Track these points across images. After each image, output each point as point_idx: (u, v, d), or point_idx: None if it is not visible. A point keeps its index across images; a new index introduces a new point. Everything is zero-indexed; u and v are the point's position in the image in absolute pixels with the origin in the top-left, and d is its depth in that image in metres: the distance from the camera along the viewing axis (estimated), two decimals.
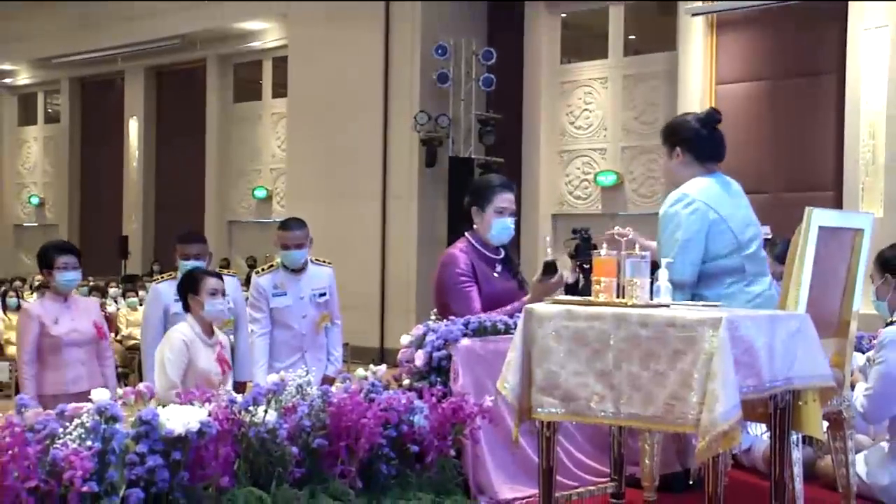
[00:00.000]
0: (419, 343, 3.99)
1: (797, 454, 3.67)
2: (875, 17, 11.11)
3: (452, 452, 3.65)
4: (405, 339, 4.07)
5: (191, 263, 5.34)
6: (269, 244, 15.50)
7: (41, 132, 23.41)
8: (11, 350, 11.42)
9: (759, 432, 4.52)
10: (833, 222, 3.86)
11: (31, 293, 12.84)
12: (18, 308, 11.49)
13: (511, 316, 4.15)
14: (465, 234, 4.54)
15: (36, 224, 23.17)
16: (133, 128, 20.50)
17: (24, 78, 23.19)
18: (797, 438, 3.67)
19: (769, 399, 3.41)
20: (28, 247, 22.04)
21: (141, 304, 11.85)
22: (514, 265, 4.59)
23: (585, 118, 14.31)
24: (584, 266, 4.37)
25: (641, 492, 4.03)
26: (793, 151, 11.80)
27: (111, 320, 11.75)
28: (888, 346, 4.00)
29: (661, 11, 13.68)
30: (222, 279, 4.98)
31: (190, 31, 18.16)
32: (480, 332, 4.03)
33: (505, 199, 4.46)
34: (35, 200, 23.16)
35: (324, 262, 5.93)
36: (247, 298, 5.85)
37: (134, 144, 20.52)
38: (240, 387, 5.19)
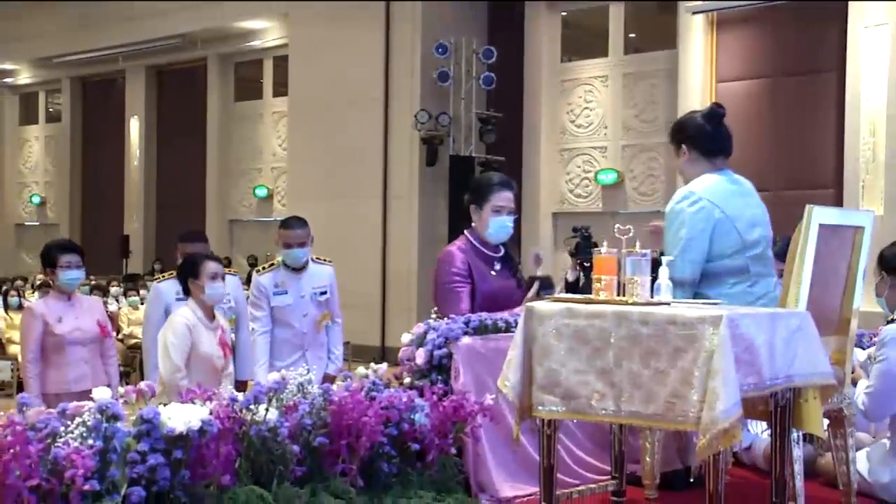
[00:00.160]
0: (420, 341, 3.99)
1: (798, 452, 3.68)
2: (875, 15, 11.11)
3: (453, 450, 3.65)
4: (406, 338, 4.08)
5: None
6: (270, 243, 15.52)
7: (42, 131, 23.42)
8: (13, 349, 11.43)
9: (759, 430, 4.52)
10: (833, 220, 3.86)
11: (33, 292, 12.86)
12: (20, 307, 11.53)
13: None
14: (465, 231, 4.55)
15: (37, 223, 23.18)
16: (134, 127, 20.51)
17: (25, 77, 23.20)
18: (798, 436, 3.67)
19: (770, 397, 3.41)
20: (29, 246, 22.06)
21: (142, 303, 11.86)
22: (513, 263, 4.59)
23: (586, 116, 14.31)
24: (585, 264, 4.39)
25: (642, 489, 4.04)
26: (793, 149, 11.80)
27: (112, 319, 11.73)
28: (889, 344, 4.00)
29: (661, 10, 13.68)
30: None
31: (191, 31, 18.17)
32: (481, 330, 4.03)
33: (503, 198, 4.45)
34: (36, 200, 23.17)
35: (324, 260, 5.94)
36: (247, 297, 5.86)
37: (135, 143, 20.53)
38: (241, 385, 5.20)
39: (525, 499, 3.85)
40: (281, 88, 17.68)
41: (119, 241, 19.57)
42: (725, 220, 3.97)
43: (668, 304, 3.38)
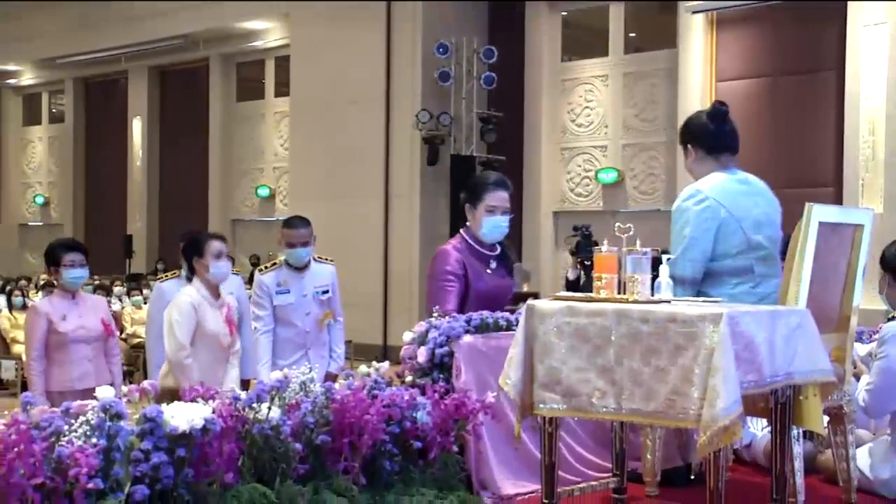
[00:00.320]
0: (421, 340, 4.00)
1: (798, 449, 3.68)
2: (874, 14, 11.13)
3: (455, 448, 3.66)
4: (408, 336, 4.09)
5: None
6: (272, 242, 15.57)
7: (46, 132, 23.46)
8: (17, 349, 11.46)
9: (759, 427, 4.53)
10: (833, 218, 3.86)
11: (37, 292, 12.89)
12: (24, 307, 11.55)
13: (512, 312, 4.17)
14: (461, 230, 4.56)
15: (41, 223, 23.23)
16: (137, 127, 20.54)
17: (28, 78, 23.24)
18: (798, 433, 3.68)
19: (770, 394, 3.42)
20: (33, 246, 22.11)
21: (145, 303, 11.88)
22: (509, 262, 4.59)
23: (586, 116, 14.32)
24: (585, 263, 4.40)
25: (643, 486, 4.04)
26: (793, 148, 11.82)
27: (116, 319, 11.77)
28: (889, 341, 4.01)
29: (661, 9, 13.70)
30: (226, 241, 5.03)
31: (193, 31, 18.21)
32: (482, 328, 4.04)
33: (496, 198, 4.45)
34: (40, 200, 23.21)
35: (326, 259, 5.96)
36: (250, 297, 5.88)
37: (138, 144, 20.56)
38: (244, 384, 5.22)
39: (526, 496, 3.86)
40: (282, 88, 17.71)
41: (122, 241, 19.61)
42: (731, 219, 3.96)
43: (669, 302, 3.39)
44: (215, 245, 4.91)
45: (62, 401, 2.96)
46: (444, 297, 4.34)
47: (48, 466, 2.64)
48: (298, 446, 3.15)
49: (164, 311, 5.54)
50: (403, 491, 3.37)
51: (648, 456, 4.02)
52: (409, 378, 3.99)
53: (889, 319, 4.14)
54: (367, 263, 14.55)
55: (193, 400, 3.06)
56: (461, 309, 4.26)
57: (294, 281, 5.72)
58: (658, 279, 3.46)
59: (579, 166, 14.43)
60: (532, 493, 3.83)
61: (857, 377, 4.15)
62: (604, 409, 3.28)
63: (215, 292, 4.92)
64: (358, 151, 15.08)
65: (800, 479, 3.68)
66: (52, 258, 5.19)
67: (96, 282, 13.84)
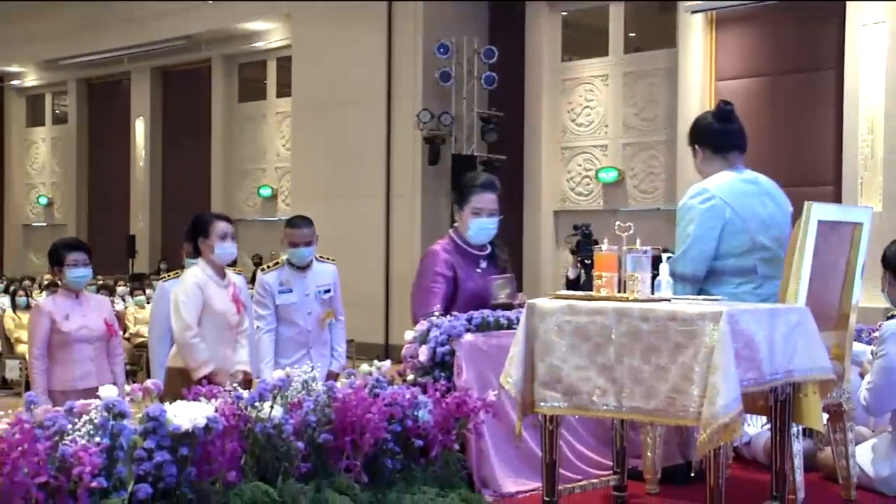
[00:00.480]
0: (423, 339, 4.02)
1: (798, 446, 3.70)
2: (873, 14, 11.13)
3: (456, 447, 3.67)
4: (409, 335, 4.10)
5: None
6: (274, 242, 15.56)
7: (49, 133, 23.49)
8: (21, 348, 11.49)
9: (759, 425, 4.54)
10: (832, 216, 3.88)
11: (41, 292, 12.91)
12: (28, 307, 11.58)
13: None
14: (450, 230, 4.57)
15: (44, 224, 23.26)
16: (139, 128, 20.56)
17: (31, 79, 23.28)
18: (798, 430, 3.70)
19: (770, 392, 3.43)
20: (37, 246, 22.15)
21: (148, 303, 11.91)
22: (500, 261, 4.58)
23: (587, 115, 14.33)
24: (586, 261, 4.41)
25: (644, 484, 4.06)
26: (792, 147, 11.82)
27: (119, 318, 11.80)
28: (888, 340, 4.02)
29: (660, 9, 13.71)
30: (231, 222, 5.06)
31: (195, 32, 18.22)
32: (483, 327, 4.06)
33: (483, 200, 4.44)
34: (43, 201, 23.25)
35: (328, 259, 5.98)
36: (252, 296, 5.89)
37: (140, 144, 20.58)
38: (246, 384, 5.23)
39: (527, 494, 3.88)
40: (284, 89, 17.73)
41: (125, 241, 19.64)
42: (736, 219, 3.96)
43: (669, 300, 3.40)
44: (221, 226, 4.93)
45: (64, 400, 2.98)
46: (426, 302, 4.35)
47: (52, 465, 2.65)
48: (300, 445, 3.16)
49: (163, 309, 5.56)
50: (405, 489, 3.38)
51: (649, 454, 4.03)
52: (410, 377, 4.00)
53: (888, 318, 4.15)
54: (368, 263, 14.56)
55: (196, 399, 3.08)
56: (448, 309, 4.27)
57: (296, 280, 5.74)
58: (658, 278, 3.48)
59: (580, 165, 14.44)
60: (533, 490, 3.84)
61: (863, 376, 4.16)
62: (604, 407, 3.29)
63: (221, 272, 4.94)
64: (359, 151, 15.10)
65: (799, 477, 3.69)
66: (56, 258, 5.21)
67: (100, 282, 13.87)
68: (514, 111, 14.46)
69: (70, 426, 2.78)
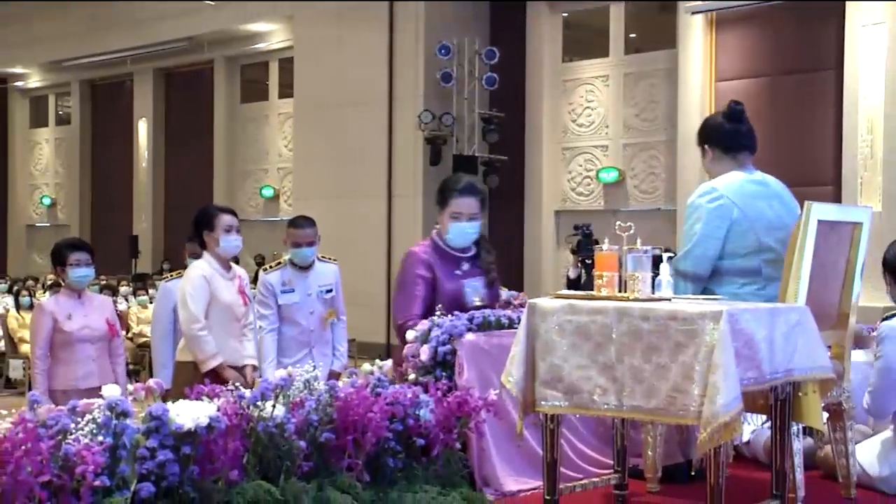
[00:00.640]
0: (424, 338, 4.03)
1: (798, 445, 3.71)
2: (873, 14, 11.13)
3: (458, 445, 3.68)
4: (410, 335, 4.12)
5: None
6: (276, 242, 15.54)
7: (52, 134, 23.51)
8: (25, 348, 11.52)
9: (759, 424, 4.55)
10: (832, 216, 3.89)
11: (44, 292, 12.93)
12: (31, 307, 11.59)
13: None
14: (432, 231, 4.58)
15: (48, 224, 23.28)
16: (142, 129, 20.58)
17: (35, 81, 23.29)
18: (798, 429, 3.71)
19: (770, 391, 3.45)
20: (40, 247, 22.16)
21: (151, 303, 11.93)
22: (484, 263, 4.54)
23: (587, 116, 14.34)
24: (586, 261, 4.42)
25: (644, 483, 4.07)
26: (792, 147, 11.82)
27: (122, 318, 11.82)
28: (885, 341, 4.03)
29: (661, 10, 13.71)
30: (237, 216, 5.07)
31: (197, 34, 18.23)
32: (485, 326, 4.07)
33: (462, 204, 4.42)
34: (47, 201, 23.27)
35: (330, 258, 6.00)
36: (255, 296, 5.91)
37: (143, 145, 20.60)
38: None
39: (529, 492, 3.89)
40: (286, 90, 17.74)
41: (128, 242, 19.65)
42: (743, 219, 3.96)
43: (669, 300, 3.42)
44: (226, 219, 4.94)
45: (66, 399, 2.99)
46: (406, 307, 4.36)
47: (55, 464, 2.66)
48: (302, 444, 3.17)
49: (166, 309, 5.58)
50: (406, 488, 3.39)
51: (649, 452, 4.05)
52: (411, 376, 4.02)
53: (884, 318, 4.15)
54: (370, 263, 14.57)
55: (199, 398, 3.09)
56: (427, 312, 4.27)
57: (298, 280, 5.76)
58: (658, 277, 3.49)
59: (580, 166, 14.44)
60: (534, 489, 3.86)
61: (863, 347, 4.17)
62: (605, 406, 3.30)
63: (226, 265, 4.95)
64: (361, 152, 15.11)
65: (800, 475, 3.70)
66: (59, 258, 5.22)
67: (103, 282, 13.89)
68: (516, 112, 14.46)
69: (73, 425, 2.79)
